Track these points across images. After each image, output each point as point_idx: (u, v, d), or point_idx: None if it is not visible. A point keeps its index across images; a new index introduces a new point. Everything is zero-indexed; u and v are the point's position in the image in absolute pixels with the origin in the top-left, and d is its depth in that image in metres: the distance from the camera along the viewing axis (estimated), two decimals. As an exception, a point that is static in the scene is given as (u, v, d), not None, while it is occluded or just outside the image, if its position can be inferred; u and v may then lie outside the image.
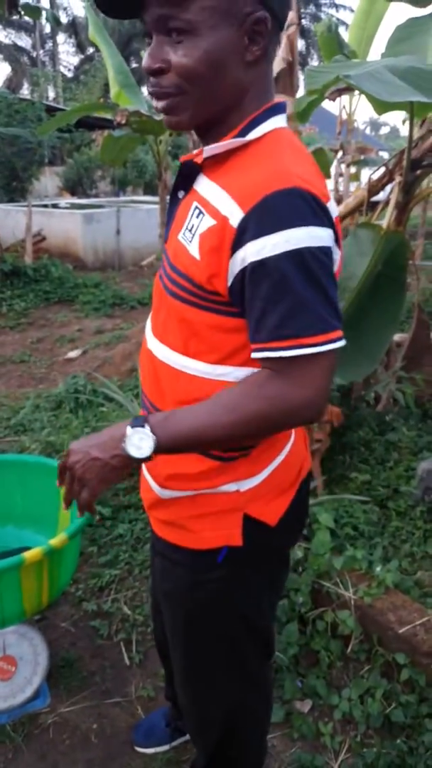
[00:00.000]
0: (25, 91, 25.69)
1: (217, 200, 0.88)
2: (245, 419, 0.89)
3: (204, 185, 0.94)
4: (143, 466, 1.14)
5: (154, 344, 1.04)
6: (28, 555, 1.48)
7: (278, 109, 0.94)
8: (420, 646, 1.75)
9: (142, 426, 0.90)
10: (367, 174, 3.65)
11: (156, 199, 9.31)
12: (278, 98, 0.97)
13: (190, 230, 0.92)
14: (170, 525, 1.09)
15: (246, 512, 1.03)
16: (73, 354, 4.88)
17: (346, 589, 1.93)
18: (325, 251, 0.85)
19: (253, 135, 0.90)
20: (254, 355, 0.89)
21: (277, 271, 0.82)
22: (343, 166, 7.00)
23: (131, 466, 0.93)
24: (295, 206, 0.82)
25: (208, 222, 0.89)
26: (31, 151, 10.79)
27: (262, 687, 1.31)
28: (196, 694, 1.26)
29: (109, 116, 6.07)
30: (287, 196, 0.82)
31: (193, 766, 1.45)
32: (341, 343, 0.86)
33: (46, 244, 8.19)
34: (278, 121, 0.93)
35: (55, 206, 10.11)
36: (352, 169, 7.37)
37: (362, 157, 7.46)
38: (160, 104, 0.91)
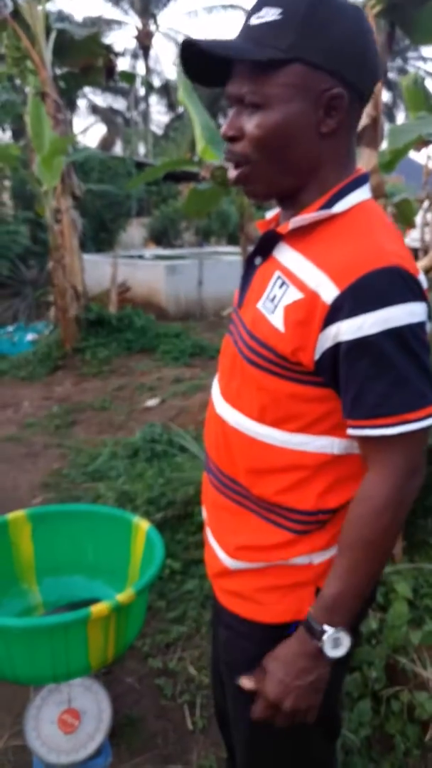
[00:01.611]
0: (117, 148, 27.35)
1: (305, 273, 0.89)
2: (379, 531, 0.90)
3: (287, 255, 0.94)
4: (209, 531, 1.12)
5: (225, 410, 1.03)
6: (94, 609, 1.48)
7: (362, 180, 0.94)
8: None
9: (322, 631, 0.92)
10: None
11: (238, 249, 9.52)
12: (360, 167, 0.97)
13: (272, 300, 0.92)
14: (237, 596, 1.05)
15: (318, 586, 0.99)
16: (151, 403, 4.98)
17: (425, 668, 1.80)
18: (422, 326, 0.86)
19: (339, 207, 0.91)
20: (351, 432, 0.89)
21: (378, 349, 0.83)
22: (429, 215, 6.92)
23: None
24: (393, 284, 0.83)
25: (293, 294, 0.89)
26: (119, 204, 11.42)
27: None
28: None
29: (194, 170, 6.31)
30: (386, 275, 0.83)
31: None
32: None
33: (131, 294, 8.50)
34: (363, 193, 0.93)
35: (140, 257, 10.53)
36: (438, 218, 7.26)
37: (449, 206, 7.34)
38: (233, 174, 0.94)
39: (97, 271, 8.43)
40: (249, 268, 1.02)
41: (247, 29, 0.87)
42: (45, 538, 1.95)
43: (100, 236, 11.33)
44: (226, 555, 1.05)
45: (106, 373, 5.96)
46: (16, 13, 6.04)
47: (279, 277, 0.93)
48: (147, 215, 15.77)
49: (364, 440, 0.89)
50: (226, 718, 1.41)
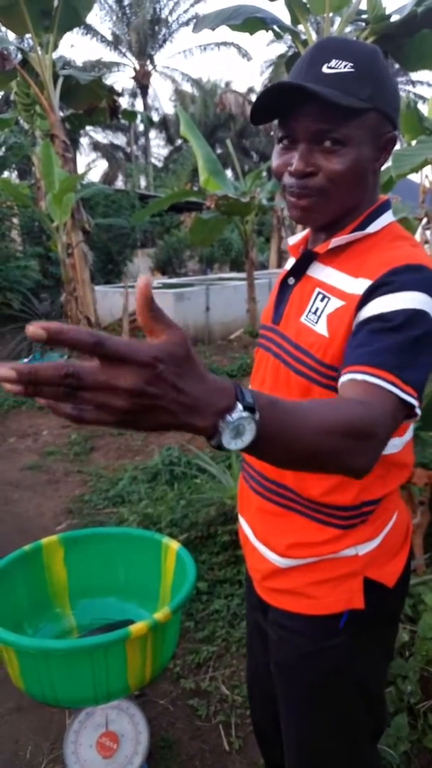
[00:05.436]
0: (119, 182, 27.91)
1: (344, 284, 0.97)
2: (342, 424, 0.75)
3: (324, 272, 1.02)
4: (253, 537, 1.15)
5: None
6: (133, 629, 1.50)
7: (388, 205, 1.05)
8: None
9: (247, 403, 0.64)
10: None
11: (242, 275, 9.65)
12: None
13: (315, 313, 1.00)
14: (290, 593, 1.09)
15: (366, 575, 1.05)
16: (166, 426, 5.02)
17: (460, 679, 1.80)
18: None
19: (373, 228, 1.01)
20: (342, 378, 0.86)
21: (392, 319, 0.87)
22: (428, 233, 7.05)
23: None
24: (422, 277, 0.90)
25: (335, 304, 0.97)
26: (125, 236, 11.63)
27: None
28: None
29: (197, 200, 6.42)
30: (415, 269, 0.91)
31: None
32: (417, 415, 0.86)
33: (141, 322, 8.63)
34: (390, 216, 1.04)
35: (147, 286, 10.69)
36: (437, 236, 7.38)
37: (448, 223, 7.45)
38: (302, 202, 0.98)
39: (107, 302, 8.56)
40: (283, 287, 1.10)
41: (322, 76, 0.92)
42: (77, 562, 1.98)
43: (107, 268, 11.53)
44: (276, 555, 1.09)
45: (122, 400, 6.01)
46: (25, 62, 6.31)
47: (319, 293, 1.01)
48: (151, 246, 16.02)
49: (354, 384, 0.84)
50: (266, 735, 1.42)
